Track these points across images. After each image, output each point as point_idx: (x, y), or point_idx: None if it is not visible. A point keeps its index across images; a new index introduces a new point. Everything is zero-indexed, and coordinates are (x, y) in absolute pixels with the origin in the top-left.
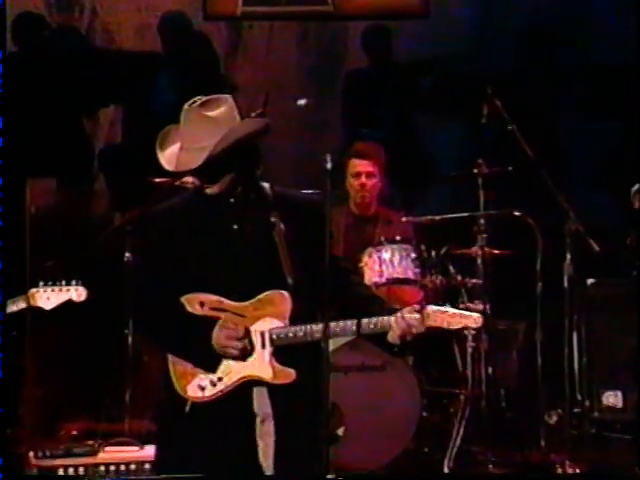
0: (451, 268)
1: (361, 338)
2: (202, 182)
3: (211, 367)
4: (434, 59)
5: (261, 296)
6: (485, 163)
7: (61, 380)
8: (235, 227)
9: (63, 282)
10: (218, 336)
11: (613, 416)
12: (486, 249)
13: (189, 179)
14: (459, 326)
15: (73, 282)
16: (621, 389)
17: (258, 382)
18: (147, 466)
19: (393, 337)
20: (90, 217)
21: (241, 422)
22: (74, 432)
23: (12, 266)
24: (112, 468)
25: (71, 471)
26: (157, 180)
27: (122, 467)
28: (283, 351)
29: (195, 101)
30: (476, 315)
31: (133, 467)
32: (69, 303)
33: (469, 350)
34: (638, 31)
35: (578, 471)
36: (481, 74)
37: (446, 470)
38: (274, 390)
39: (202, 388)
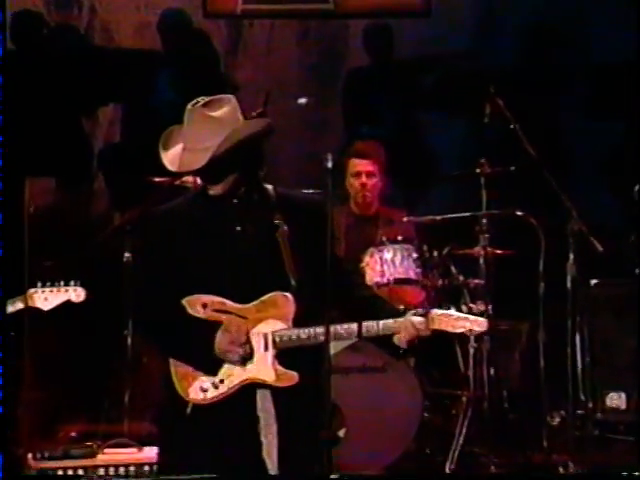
0: (453, 268)
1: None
2: (205, 183)
3: (212, 371)
4: (435, 57)
5: (264, 298)
6: (487, 162)
7: (60, 381)
8: (238, 228)
9: (61, 282)
10: (220, 341)
11: (616, 417)
12: (488, 249)
13: (189, 179)
14: (464, 330)
15: (72, 282)
16: (625, 390)
17: (260, 385)
18: (146, 468)
19: (400, 340)
20: (89, 217)
21: (243, 424)
22: (73, 433)
23: (10, 266)
24: (111, 470)
25: (70, 473)
26: (157, 179)
27: (121, 469)
28: (286, 354)
29: (198, 101)
30: (481, 319)
31: (132, 469)
32: (68, 304)
33: (471, 351)
34: (638, 29)
35: (580, 472)
36: (483, 72)
37: (448, 472)
38: (277, 393)
39: (204, 390)
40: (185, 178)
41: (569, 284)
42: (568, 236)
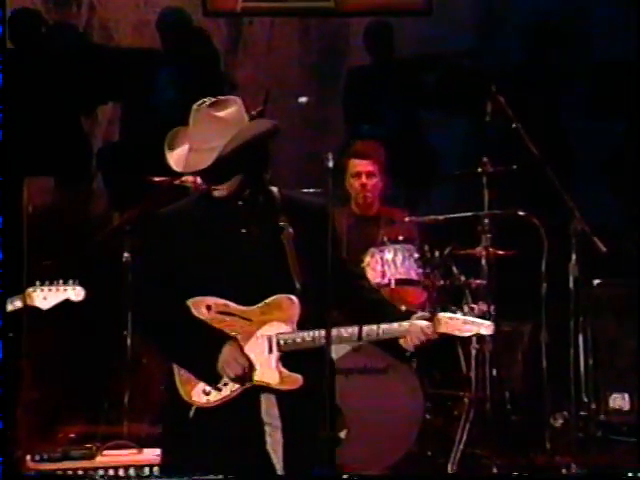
0: (455, 269)
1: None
2: (210, 183)
3: (213, 381)
4: (437, 56)
5: (269, 300)
6: (489, 162)
7: (59, 382)
8: (243, 231)
9: (60, 281)
10: (226, 358)
11: (620, 419)
12: (490, 249)
13: (189, 178)
14: (470, 333)
15: (70, 281)
16: (628, 391)
17: (265, 388)
18: (146, 469)
19: (407, 344)
20: (88, 216)
21: (248, 428)
22: (72, 435)
23: (9, 266)
24: (110, 472)
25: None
26: (156, 179)
27: (121, 471)
28: (290, 356)
29: (204, 102)
30: (488, 322)
31: (132, 471)
32: (67, 304)
33: (473, 352)
34: (638, 27)
35: (580, 472)
36: (484, 71)
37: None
38: (282, 396)
39: (207, 393)
40: (185, 178)
41: (572, 284)
42: (571, 236)
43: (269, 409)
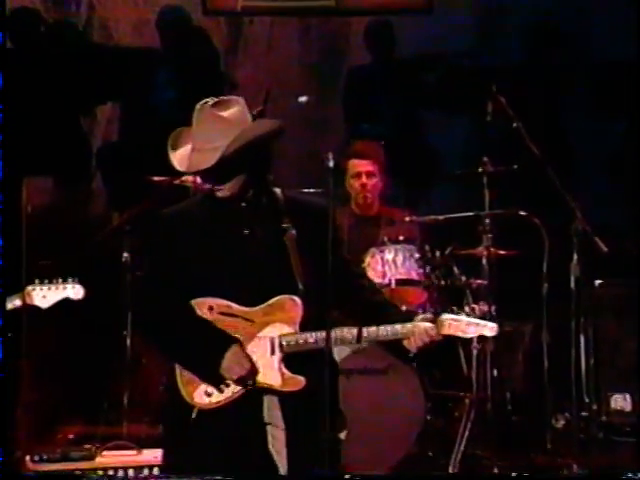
0: (455, 269)
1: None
2: (213, 183)
3: (215, 383)
4: (437, 55)
5: (271, 301)
6: (490, 161)
7: (58, 382)
8: (246, 232)
9: (60, 280)
10: (229, 363)
11: (621, 419)
12: (491, 249)
13: (189, 178)
14: (474, 335)
15: (70, 280)
16: (630, 392)
17: (267, 390)
18: (145, 471)
19: (410, 345)
20: (88, 216)
21: (249, 429)
22: (71, 436)
23: (8, 267)
24: (110, 472)
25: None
26: (156, 179)
27: (120, 472)
28: (293, 358)
29: (207, 101)
30: (492, 323)
31: (131, 472)
32: (66, 304)
33: (474, 352)
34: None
35: (580, 473)
36: (485, 70)
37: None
38: (284, 398)
39: (209, 395)
40: (185, 178)
41: (573, 284)
42: (572, 236)
43: (272, 410)
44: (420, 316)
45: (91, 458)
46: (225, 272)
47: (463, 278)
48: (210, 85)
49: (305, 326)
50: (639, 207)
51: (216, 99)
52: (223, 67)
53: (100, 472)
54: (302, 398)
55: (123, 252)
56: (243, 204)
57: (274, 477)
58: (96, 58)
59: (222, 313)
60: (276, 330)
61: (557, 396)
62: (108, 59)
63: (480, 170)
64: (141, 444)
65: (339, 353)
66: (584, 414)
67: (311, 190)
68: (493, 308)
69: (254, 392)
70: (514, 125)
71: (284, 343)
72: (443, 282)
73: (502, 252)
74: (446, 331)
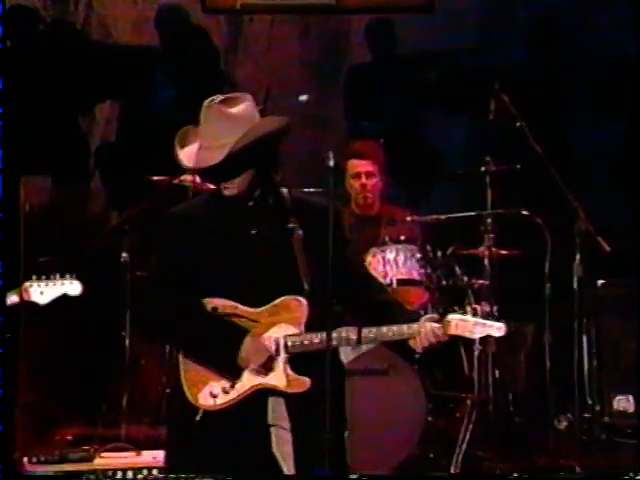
0: (457, 269)
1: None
2: (221, 179)
3: (233, 375)
4: (439, 53)
5: (276, 302)
6: (493, 160)
7: (56, 383)
8: (253, 232)
9: (57, 276)
10: (246, 352)
11: (624, 421)
12: (493, 249)
13: (188, 177)
14: (481, 335)
15: (67, 275)
16: (633, 393)
17: (272, 390)
18: (144, 472)
19: (416, 345)
20: (86, 216)
21: (254, 430)
22: (69, 437)
23: (6, 267)
24: (109, 474)
25: None
26: (155, 178)
27: (119, 473)
28: (298, 359)
29: (214, 99)
30: (499, 324)
31: (130, 474)
32: (65, 305)
33: (476, 353)
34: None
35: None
36: (487, 68)
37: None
38: (290, 398)
39: (214, 396)
40: (184, 177)
41: (575, 285)
42: (575, 236)
43: (277, 412)
44: (426, 316)
45: (90, 460)
46: (231, 272)
47: (465, 278)
48: (210, 84)
49: (311, 327)
50: (639, 207)
51: (224, 96)
52: (223, 66)
53: (99, 474)
54: (308, 399)
55: (122, 252)
56: (250, 203)
57: (275, 477)
58: (95, 57)
59: (227, 314)
60: (281, 331)
61: (559, 397)
62: (107, 58)
63: (482, 169)
64: (140, 446)
65: (346, 355)
66: (587, 415)
67: (311, 190)
68: (495, 308)
69: (259, 393)
70: (517, 124)
71: (289, 344)
72: (445, 282)
73: (504, 252)
74: (453, 331)
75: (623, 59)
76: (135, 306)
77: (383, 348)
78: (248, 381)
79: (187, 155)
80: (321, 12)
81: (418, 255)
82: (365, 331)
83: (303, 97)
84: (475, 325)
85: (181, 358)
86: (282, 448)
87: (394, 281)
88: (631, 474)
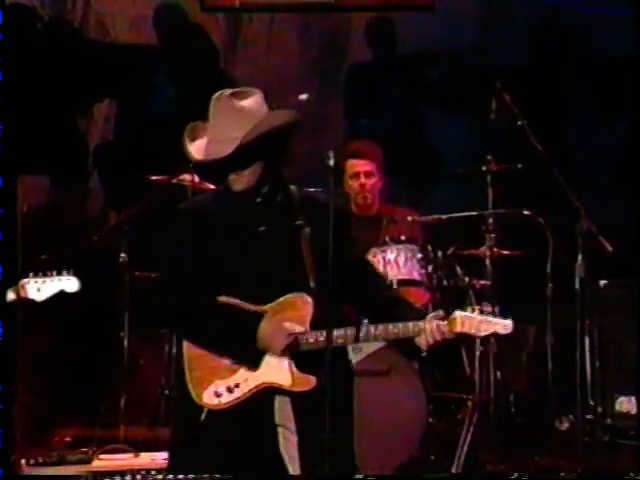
0: (458, 269)
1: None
2: (231, 171)
3: (253, 362)
4: (440, 52)
5: (281, 299)
6: (494, 160)
7: (54, 384)
8: (262, 228)
9: (54, 272)
10: (265, 332)
11: (627, 422)
12: (495, 249)
13: (187, 177)
14: (488, 333)
15: (64, 272)
16: (635, 394)
17: (277, 389)
18: (143, 474)
19: (421, 343)
20: (84, 216)
21: (260, 430)
22: (67, 439)
23: (5, 267)
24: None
25: None
26: (154, 178)
27: (117, 476)
28: (304, 357)
29: (223, 92)
30: (507, 321)
31: (128, 476)
32: (63, 304)
33: (477, 354)
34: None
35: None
36: (489, 67)
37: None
38: (296, 397)
39: (218, 395)
40: (183, 177)
41: (578, 285)
42: (577, 236)
43: (283, 412)
44: (432, 314)
45: (88, 461)
46: (238, 269)
47: (466, 279)
48: (208, 83)
49: (316, 324)
50: (639, 206)
51: (233, 90)
52: (222, 64)
53: (97, 476)
54: (315, 399)
55: (121, 252)
56: (258, 200)
57: (279, 477)
58: (93, 55)
59: None
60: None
61: (561, 398)
62: (105, 56)
63: (484, 169)
64: (139, 447)
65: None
66: (589, 417)
67: (311, 189)
68: (497, 309)
69: (264, 393)
70: (518, 123)
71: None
72: (446, 282)
73: (506, 252)
74: (459, 329)
75: (628, 57)
76: (151, 305)
77: (384, 349)
78: (253, 380)
79: (196, 148)
80: (321, 10)
81: (419, 255)
82: (371, 329)
83: (303, 96)
84: (481, 323)
85: (186, 357)
86: (288, 449)
87: (394, 281)
88: (631, 474)
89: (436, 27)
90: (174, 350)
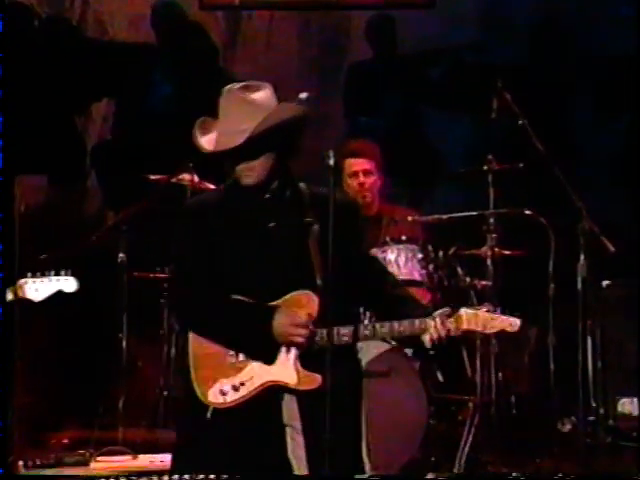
0: (459, 269)
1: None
2: (241, 161)
3: (269, 358)
4: (440, 50)
5: (287, 297)
6: (495, 159)
7: (52, 385)
8: (271, 225)
9: (52, 272)
10: (280, 324)
11: (629, 424)
12: (496, 249)
13: (186, 177)
14: (495, 330)
15: (62, 272)
16: (638, 396)
17: (282, 387)
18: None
19: (426, 340)
20: (82, 216)
21: (265, 428)
22: (65, 440)
23: (4, 265)
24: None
25: None
26: (152, 177)
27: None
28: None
29: (234, 85)
30: (513, 318)
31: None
32: (61, 305)
33: (478, 355)
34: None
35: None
36: (489, 66)
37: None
38: (303, 397)
39: (224, 394)
40: (182, 176)
41: (580, 285)
42: (579, 236)
43: (290, 411)
44: (439, 311)
45: (86, 464)
46: (247, 265)
47: (467, 279)
48: (208, 81)
49: (323, 323)
50: (639, 206)
51: (244, 83)
52: (221, 63)
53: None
54: (321, 398)
55: (119, 252)
56: (267, 196)
57: (282, 477)
58: (91, 54)
59: None
60: None
61: (563, 400)
62: (103, 55)
63: (485, 168)
64: (137, 449)
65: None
66: (591, 418)
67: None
68: (498, 310)
69: (270, 391)
70: (520, 122)
71: None
72: (447, 283)
73: (507, 252)
74: (465, 326)
75: (630, 56)
76: (171, 304)
77: (384, 349)
78: (258, 378)
79: (207, 140)
80: (321, 8)
81: (419, 255)
82: (377, 326)
83: (303, 95)
84: (487, 320)
85: (191, 355)
86: (295, 450)
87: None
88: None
89: (436, 25)
90: (173, 351)
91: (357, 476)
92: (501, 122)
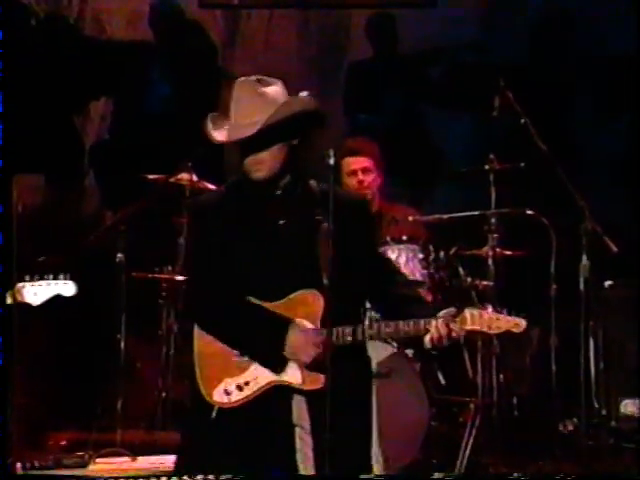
0: (460, 269)
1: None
2: (252, 152)
3: (278, 370)
4: (441, 49)
5: (292, 295)
6: (497, 159)
7: (50, 387)
8: (281, 222)
9: (51, 276)
10: (293, 342)
11: (631, 425)
12: (497, 250)
13: (184, 176)
14: (500, 330)
15: (61, 276)
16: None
17: (287, 387)
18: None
19: (427, 340)
20: (80, 215)
21: (271, 428)
22: (63, 442)
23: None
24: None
25: None
26: (151, 177)
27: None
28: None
29: (247, 78)
30: (519, 319)
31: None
32: (59, 306)
33: (479, 356)
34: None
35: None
36: (489, 65)
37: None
38: (312, 398)
39: (228, 393)
40: (180, 176)
41: (582, 286)
42: (581, 236)
43: (299, 411)
44: (443, 311)
45: (84, 465)
46: (256, 262)
47: (468, 279)
48: (206, 80)
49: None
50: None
51: (256, 76)
52: (220, 61)
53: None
54: (331, 400)
55: (117, 252)
56: (278, 192)
57: (285, 477)
58: (89, 53)
59: None
60: None
61: (565, 401)
62: (101, 54)
63: (486, 167)
64: (136, 451)
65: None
66: (593, 420)
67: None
68: (504, 310)
69: (279, 391)
70: (522, 121)
71: None
72: (448, 283)
73: (508, 252)
74: (469, 326)
75: (631, 56)
76: (185, 304)
77: (384, 351)
78: (263, 378)
79: (219, 132)
80: (321, 7)
81: (420, 255)
82: (382, 326)
83: (303, 94)
84: (493, 320)
85: (196, 355)
86: (303, 450)
87: None
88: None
89: (437, 24)
90: (171, 352)
91: (362, 476)
92: (503, 121)
